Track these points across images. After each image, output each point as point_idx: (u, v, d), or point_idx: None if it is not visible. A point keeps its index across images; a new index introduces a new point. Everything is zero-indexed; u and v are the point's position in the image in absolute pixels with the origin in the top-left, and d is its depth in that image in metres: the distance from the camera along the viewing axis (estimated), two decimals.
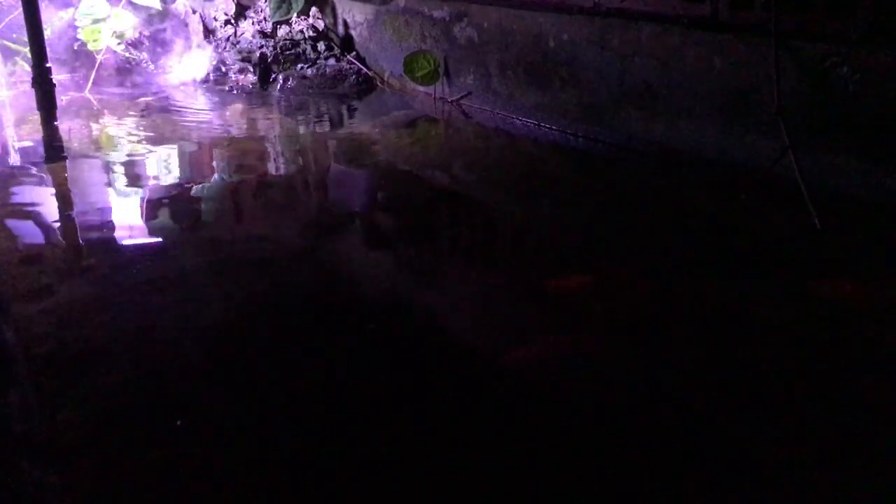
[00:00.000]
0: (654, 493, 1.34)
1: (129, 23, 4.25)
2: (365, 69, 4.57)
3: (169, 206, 2.70)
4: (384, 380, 1.68)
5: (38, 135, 3.45)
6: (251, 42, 4.55)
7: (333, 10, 4.76)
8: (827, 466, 1.40)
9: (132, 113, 3.86)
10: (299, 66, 4.51)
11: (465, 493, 1.33)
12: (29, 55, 3.75)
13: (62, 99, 3.86)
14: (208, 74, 4.40)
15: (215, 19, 4.69)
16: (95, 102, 4.00)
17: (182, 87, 4.28)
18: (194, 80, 4.36)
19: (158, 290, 2.05)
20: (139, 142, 3.45)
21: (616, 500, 1.32)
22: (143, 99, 4.09)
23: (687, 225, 2.55)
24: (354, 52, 4.65)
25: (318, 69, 4.49)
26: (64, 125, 3.58)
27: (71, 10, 4.20)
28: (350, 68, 4.55)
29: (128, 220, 2.59)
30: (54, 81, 3.75)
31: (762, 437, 1.48)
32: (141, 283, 2.10)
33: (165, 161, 3.22)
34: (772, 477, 1.37)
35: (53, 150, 3.28)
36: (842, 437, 1.48)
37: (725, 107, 2.85)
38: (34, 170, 3.04)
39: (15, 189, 2.84)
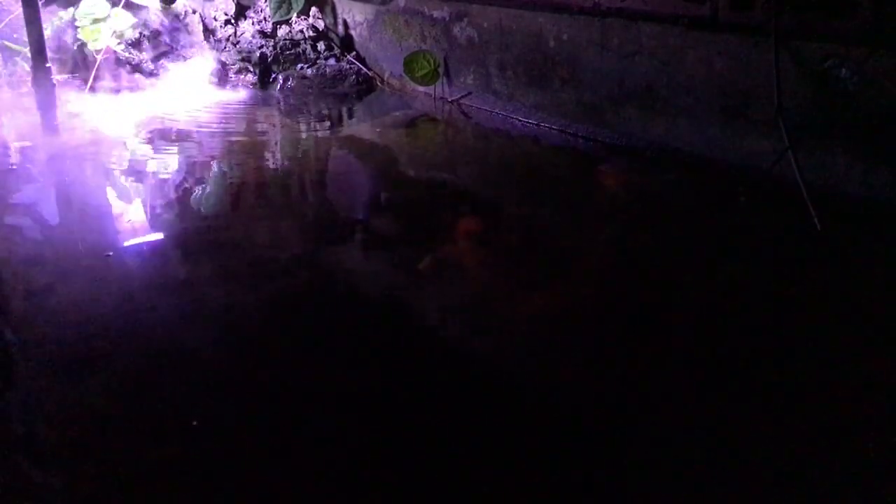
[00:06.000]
0: None
1: (128, 22, 4.25)
2: (365, 69, 4.57)
3: (168, 206, 2.70)
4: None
5: (38, 134, 3.45)
6: (251, 42, 4.55)
7: (333, 10, 4.76)
8: None
9: (132, 113, 3.86)
10: (299, 66, 4.51)
11: None
12: (29, 55, 3.75)
13: (61, 99, 3.86)
14: (208, 75, 4.40)
15: (215, 19, 4.69)
16: (95, 103, 3.99)
17: (182, 88, 4.28)
18: (194, 80, 4.36)
19: (160, 287, 2.05)
20: (139, 142, 3.45)
21: None
22: (143, 99, 4.09)
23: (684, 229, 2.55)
24: (354, 52, 4.65)
25: (318, 69, 4.49)
26: (63, 125, 3.58)
27: (71, 10, 4.19)
28: (350, 68, 4.55)
29: (126, 218, 2.59)
30: (54, 81, 3.75)
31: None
32: (141, 280, 2.10)
33: (165, 161, 3.22)
34: None
35: (53, 149, 3.28)
36: None
37: (725, 107, 2.85)
38: (34, 170, 3.04)
39: (14, 189, 2.83)
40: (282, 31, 4.63)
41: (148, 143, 3.44)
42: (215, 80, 4.40)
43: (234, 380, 1.69)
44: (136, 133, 3.57)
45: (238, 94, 4.29)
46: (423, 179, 3.06)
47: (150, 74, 4.32)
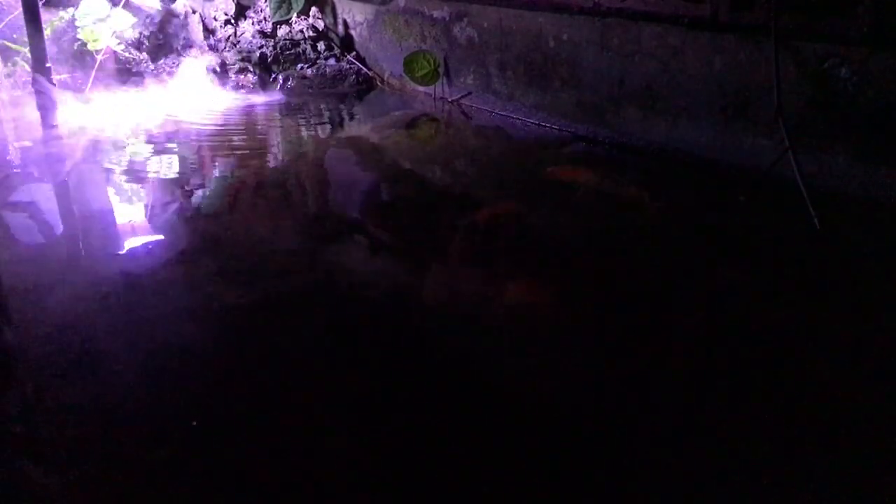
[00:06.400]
0: None
1: (128, 23, 4.25)
2: (365, 69, 4.57)
3: (169, 205, 2.70)
4: None
5: (38, 135, 3.45)
6: (251, 42, 4.55)
7: (333, 10, 4.76)
8: None
9: (132, 113, 3.86)
10: (299, 65, 4.51)
11: None
12: (29, 55, 3.75)
13: (61, 100, 3.86)
14: (208, 74, 4.40)
15: (215, 19, 4.69)
16: (95, 103, 3.99)
17: (182, 88, 4.28)
18: (194, 80, 4.36)
19: (160, 287, 2.05)
20: (139, 142, 3.45)
21: None
22: (143, 99, 4.09)
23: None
24: (354, 52, 4.65)
25: (318, 69, 4.49)
26: (63, 125, 3.58)
27: (71, 10, 4.19)
28: (350, 68, 4.55)
29: (126, 218, 2.59)
30: (54, 81, 3.75)
31: None
32: (141, 279, 2.10)
33: (165, 161, 3.22)
34: None
35: (53, 149, 3.28)
36: None
37: (725, 107, 2.85)
38: (34, 170, 3.04)
39: (14, 189, 2.84)
40: (282, 31, 4.63)
41: (148, 142, 3.44)
42: (215, 79, 4.40)
43: (234, 380, 1.69)
44: (135, 133, 3.57)
45: (238, 94, 4.30)
46: (423, 180, 3.06)
47: (150, 74, 4.32)
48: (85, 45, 4.16)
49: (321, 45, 4.62)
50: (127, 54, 4.30)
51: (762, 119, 2.72)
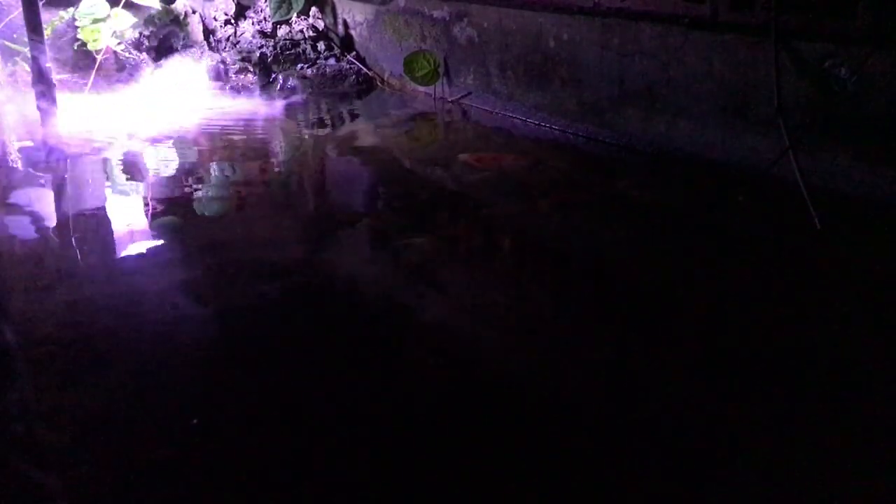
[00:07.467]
0: None
1: (128, 23, 4.25)
2: (365, 69, 4.57)
3: (169, 206, 2.70)
4: None
5: (38, 135, 3.44)
6: (251, 42, 4.55)
7: (333, 10, 4.76)
8: None
9: (132, 113, 3.86)
10: (299, 65, 4.51)
11: None
12: (29, 55, 3.75)
13: (61, 100, 3.85)
14: (208, 74, 4.40)
15: (215, 19, 4.69)
16: (95, 103, 3.99)
17: (182, 88, 4.28)
18: (194, 81, 4.36)
19: (161, 288, 2.05)
20: (140, 141, 3.45)
21: None
22: (143, 99, 4.09)
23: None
24: (354, 52, 4.65)
25: (317, 69, 4.49)
26: (64, 125, 3.58)
27: (71, 10, 4.19)
28: (350, 68, 4.55)
29: (126, 218, 2.59)
30: (54, 81, 3.74)
31: None
32: (141, 280, 2.10)
33: (166, 161, 3.22)
34: None
35: (53, 149, 3.28)
36: None
37: (725, 107, 2.85)
38: (33, 170, 3.04)
39: (14, 189, 2.84)
40: (282, 31, 4.63)
41: (149, 142, 3.44)
42: (215, 80, 4.40)
43: (235, 380, 1.69)
44: (136, 133, 3.56)
45: (238, 94, 4.29)
46: (423, 179, 3.06)
47: (150, 74, 4.32)
48: (85, 45, 4.16)
49: (321, 45, 4.62)
50: (127, 54, 4.30)
51: (762, 119, 2.72)
